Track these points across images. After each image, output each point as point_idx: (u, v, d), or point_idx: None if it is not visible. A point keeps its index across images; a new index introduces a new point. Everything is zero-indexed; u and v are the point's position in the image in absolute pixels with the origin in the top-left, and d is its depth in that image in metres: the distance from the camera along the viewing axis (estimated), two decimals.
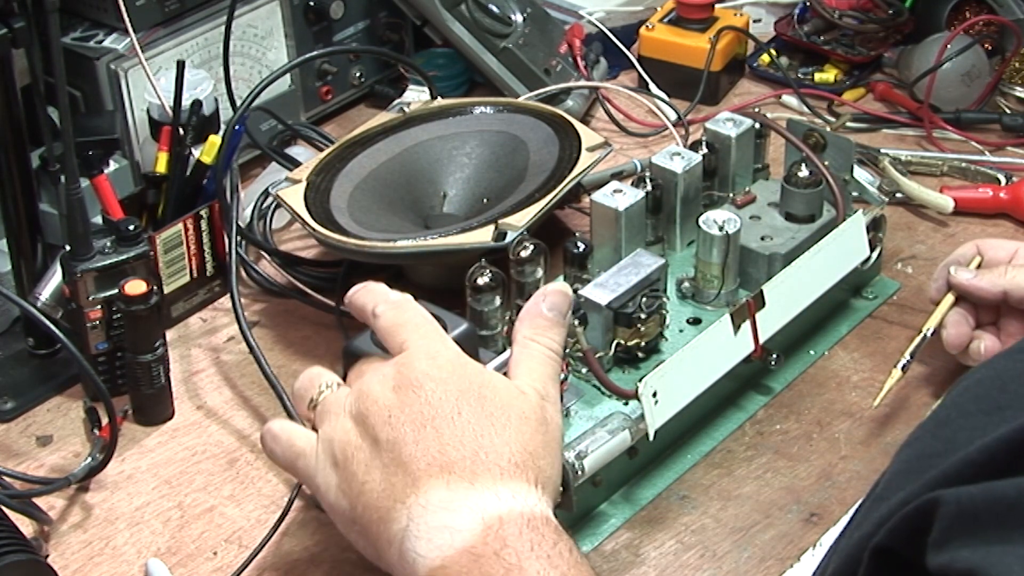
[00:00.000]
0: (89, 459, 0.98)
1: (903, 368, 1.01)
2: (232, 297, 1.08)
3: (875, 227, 1.11)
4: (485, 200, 1.17)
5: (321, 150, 1.22)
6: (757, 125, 1.16)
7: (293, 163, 1.22)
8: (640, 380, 0.93)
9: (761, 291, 1.01)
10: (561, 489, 0.89)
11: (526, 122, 1.20)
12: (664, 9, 1.43)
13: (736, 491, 0.98)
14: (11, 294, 0.99)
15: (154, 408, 1.04)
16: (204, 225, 1.12)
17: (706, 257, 1.06)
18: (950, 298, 1.04)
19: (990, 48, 1.38)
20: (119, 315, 1.01)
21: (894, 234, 1.20)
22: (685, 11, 1.40)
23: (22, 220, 1.05)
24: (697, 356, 0.97)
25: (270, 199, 1.22)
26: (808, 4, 1.43)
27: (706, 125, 1.17)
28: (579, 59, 1.39)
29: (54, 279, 1.06)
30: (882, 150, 1.28)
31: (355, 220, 1.11)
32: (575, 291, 0.99)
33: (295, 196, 1.13)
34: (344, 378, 0.88)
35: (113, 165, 1.16)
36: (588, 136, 1.17)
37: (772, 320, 1.01)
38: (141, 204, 1.16)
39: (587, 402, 0.99)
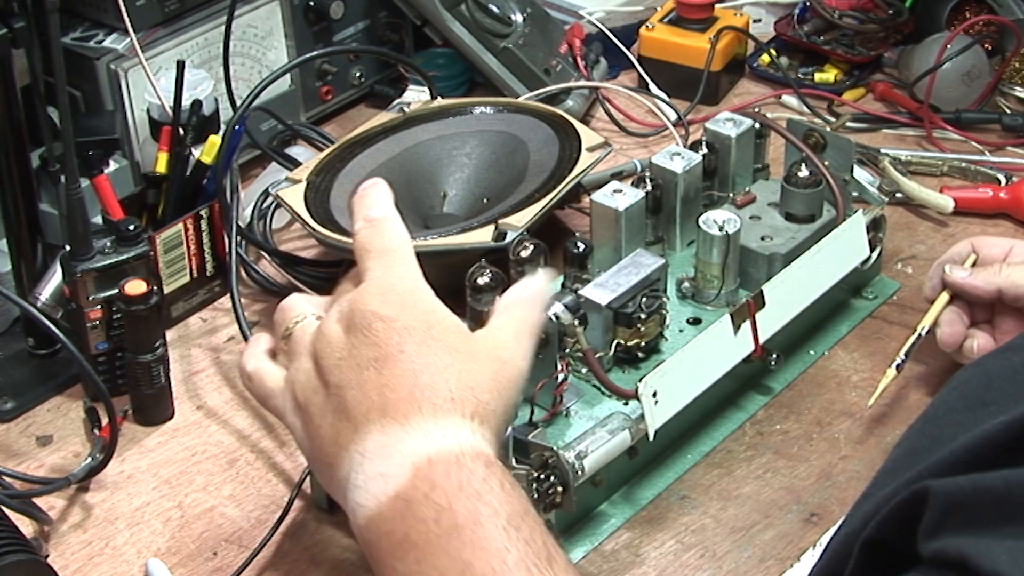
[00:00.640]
0: (89, 459, 0.98)
1: (897, 367, 1.01)
2: (232, 297, 1.08)
3: (875, 227, 1.11)
4: (485, 200, 1.17)
5: (321, 150, 1.22)
6: (757, 125, 1.16)
7: (293, 163, 1.23)
8: (640, 380, 0.93)
9: (761, 291, 1.01)
10: (561, 489, 0.90)
11: (526, 122, 1.20)
12: (664, 9, 1.43)
13: (736, 491, 0.98)
14: (11, 294, 0.99)
15: (154, 408, 1.04)
16: (204, 225, 1.12)
17: (706, 257, 1.06)
18: (945, 297, 1.04)
19: (990, 48, 1.38)
20: (119, 315, 1.02)
21: (894, 234, 1.20)
22: (685, 11, 1.40)
23: (22, 220, 1.05)
24: (697, 356, 0.97)
25: (270, 199, 1.22)
26: (808, 4, 1.43)
27: (706, 125, 1.17)
28: (579, 59, 1.39)
29: (54, 279, 1.06)
30: (882, 150, 1.28)
31: None
32: (575, 291, 0.99)
33: (295, 196, 1.13)
34: None
35: (113, 165, 1.16)
36: (588, 136, 1.17)
37: (772, 320, 1.01)
38: (141, 204, 1.16)
39: (587, 402, 0.99)
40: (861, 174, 1.16)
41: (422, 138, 1.21)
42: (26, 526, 0.93)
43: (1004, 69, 1.37)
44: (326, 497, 0.95)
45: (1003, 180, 1.26)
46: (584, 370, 0.99)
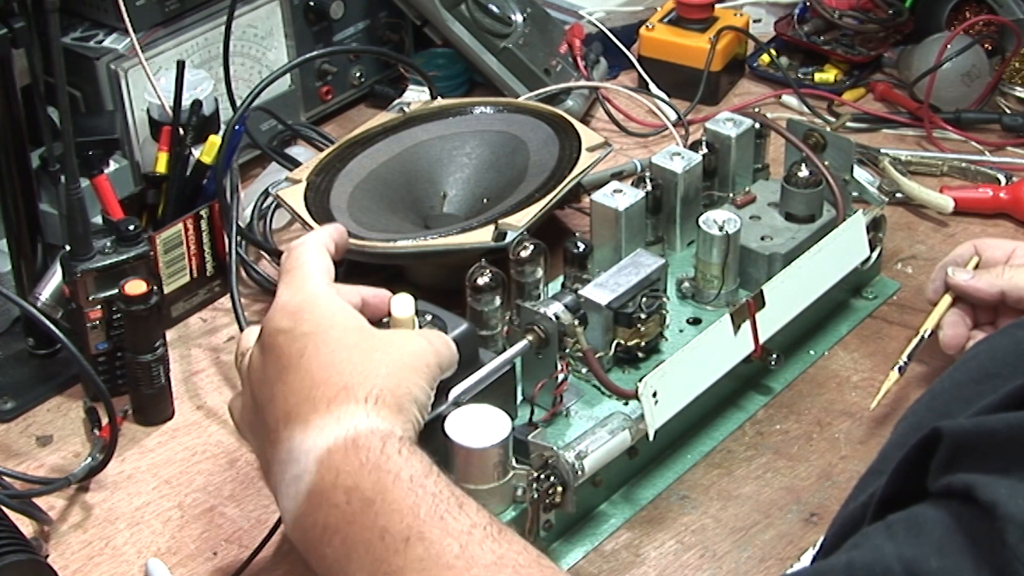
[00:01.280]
0: (89, 459, 0.98)
1: (900, 370, 1.01)
2: (232, 297, 1.08)
3: (875, 227, 1.11)
4: (485, 200, 1.17)
5: (321, 150, 1.22)
6: (757, 125, 1.16)
7: (293, 163, 1.23)
8: (640, 380, 0.93)
9: (761, 291, 1.01)
10: (561, 489, 0.90)
11: (526, 122, 1.20)
12: (664, 9, 1.43)
13: (736, 491, 0.98)
14: (11, 294, 0.99)
15: (154, 408, 1.04)
16: (204, 225, 1.12)
17: (706, 257, 1.06)
18: (947, 299, 1.04)
19: (990, 48, 1.38)
20: (119, 315, 1.01)
21: (894, 234, 1.20)
22: (685, 11, 1.40)
23: (22, 220, 1.05)
24: (697, 356, 0.97)
25: (270, 199, 1.22)
26: (808, 4, 1.43)
27: (706, 125, 1.17)
28: (579, 59, 1.39)
29: (54, 279, 1.06)
30: (882, 150, 1.28)
31: (355, 220, 1.11)
32: (575, 291, 0.99)
33: (295, 196, 1.13)
34: None
35: (113, 165, 1.16)
36: (588, 136, 1.17)
37: (772, 320, 1.01)
38: (141, 204, 1.16)
39: (587, 402, 0.99)
40: (861, 174, 1.16)
41: (422, 138, 1.21)
42: (26, 526, 0.93)
43: (1004, 69, 1.37)
44: None
45: (1003, 180, 1.26)
46: (584, 370, 0.99)
